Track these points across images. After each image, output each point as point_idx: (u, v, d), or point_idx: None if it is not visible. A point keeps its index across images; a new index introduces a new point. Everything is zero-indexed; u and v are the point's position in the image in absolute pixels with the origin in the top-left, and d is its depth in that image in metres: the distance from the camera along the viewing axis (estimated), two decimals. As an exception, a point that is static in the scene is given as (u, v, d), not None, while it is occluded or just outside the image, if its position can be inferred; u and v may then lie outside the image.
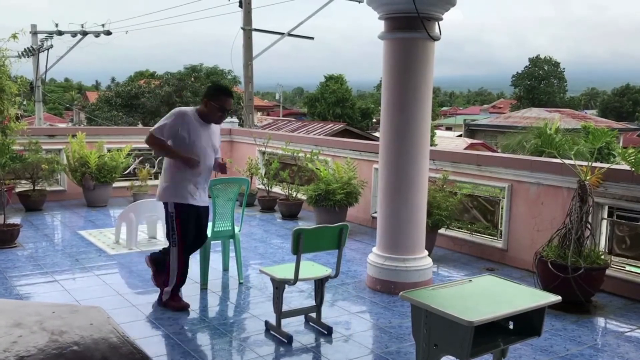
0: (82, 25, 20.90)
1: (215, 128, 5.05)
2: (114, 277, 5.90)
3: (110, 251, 6.75)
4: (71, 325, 1.11)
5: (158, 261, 5.19)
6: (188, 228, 4.87)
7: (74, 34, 21.04)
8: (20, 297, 5.19)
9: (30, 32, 21.25)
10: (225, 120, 13.44)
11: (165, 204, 4.85)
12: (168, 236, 4.93)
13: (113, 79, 56.55)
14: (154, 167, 10.85)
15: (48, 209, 9.03)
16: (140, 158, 10.78)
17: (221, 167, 5.04)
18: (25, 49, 21.01)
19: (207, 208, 5.04)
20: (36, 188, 8.99)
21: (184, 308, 4.92)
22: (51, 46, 21.25)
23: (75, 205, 9.39)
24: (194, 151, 4.75)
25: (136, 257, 6.54)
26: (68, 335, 1.06)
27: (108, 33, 20.79)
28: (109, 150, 9.74)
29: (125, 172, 10.19)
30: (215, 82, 5.76)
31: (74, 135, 9.48)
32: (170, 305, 4.92)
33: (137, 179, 9.96)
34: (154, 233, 7.38)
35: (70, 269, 6.06)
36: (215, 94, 4.84)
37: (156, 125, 4.81)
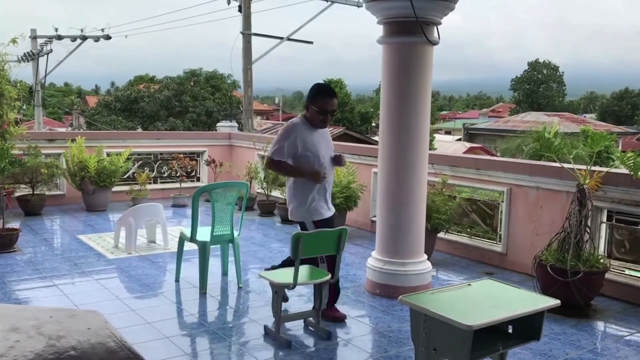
0: (81, 30, 20.94)
1: (326, 130, 4.84)
2: (112, 282, 5.89)
3: (110, 255, 6.74)
4: (69, 329, 1.11)
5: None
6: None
7: (73, 39, 21.07)
8: (19, 302, 5.18)
9: (29, 37, 21.28)
10: (225, 125, 13.38)
11: (302, 224, 4.65)
12: None
13: (112, 84, 56.66)
14: (153, 171, 10.85)
15: (47, 213, 9.02)
16: (140, 162, 10.78)
17: (337, 160, 4.81)
18: (24, 53, 21.06)
19: (333, 216, 4.87)
20: (35, 192, 8.98)
21: (339, 319, 4.77)
22: (51, 50, 21.28)
23: (74, 209, 9.38)
24: (315, 161, 4.58)
25: (135, 261, 6.53)
26: (65, 340, 1.06)
27: (108, 38, 20.81)
28: (108, 155, 9.73)
29: (125, 177, 10.20)
30: (317, 83, 4.89)
31: (73, 140, 9.48)
32: (326, 314, 4.72)
33: (136, 183, 9.95)
34: (153, 237, 7.38)
35: (69, 274, 6.05)
36: (313, 96, 4.57)
37: (272, 148, 4.62)
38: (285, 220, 8.86)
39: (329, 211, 4.71)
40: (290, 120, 4.73)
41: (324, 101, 4.54)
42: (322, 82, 4.62)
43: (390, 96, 5.38)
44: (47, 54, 21.36)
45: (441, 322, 3.05)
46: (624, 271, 5.72)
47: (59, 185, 9.88)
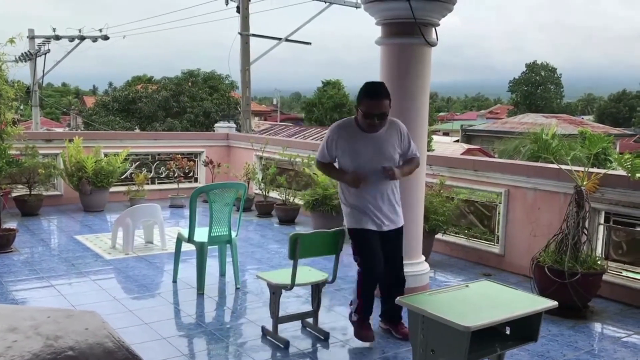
0: (79, 30, 20.91)
1: (390, 133, 4.26)
2: (110, 282, 5.88)
3: (107, 256, 6.73)
4: (66, 330, 1.10)
5: None
6: (369, 256, 4.22)
7: (71, 39, 21.05)
8: (16, 302, 5.17)
9: (27, 37, 21.25)
10: (223, 126, 13.36)
11: (349, 230, 4.33)
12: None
13: (110, 84, 56.56)
14: (150, 171, 10.84)
15: (44, 213, 9.01)
16: (137, 163, 10.77)
17: (384, 172, 4.16)
18: (22, 53, 21.03)
19: (395, 231, 4.34)
20: (32, 193, 8.97)
21: (365, 339, 4.35)
22: (48, 51, 21.27)
23: (71, 210, 9.37)
24: (357, 167, 4.17)
25: (133, 262, 6.52)
26: (63, 340, 1.06)
27: (106, 38, 20.79)
28: (105, 155, 9.72)
29: (122, 177, 10.18)
30: (366, 82, 4.37)
31: (70, 140, 9.46)
32: (355, 329, 4.47)
33: (134, 184, 9.94)
34: (150, 238, 7.37)
35: (66, 274, 6.04)
36: (359, 97, 4.17)
37: (318, 150, 4.43)
38: (283, 221, 8.86)
39: (375, 224, 4.23)
40: (339, 120, 4.46)
41: (368, 103, 4.09)
42: (372, 81, 4.27)
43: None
44: (45, 54, 21.35)
45: (439, 323, 3.05)
46: (621, 273, 5.73)
47: (57, 185, 9.87)
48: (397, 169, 4.19)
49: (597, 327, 5.05)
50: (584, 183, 5.36)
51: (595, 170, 5.86)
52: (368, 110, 4.07)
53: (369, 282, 4.30)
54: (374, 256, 4.21)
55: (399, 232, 4.39)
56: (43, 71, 21.67)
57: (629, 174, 5.29)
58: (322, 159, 4.36)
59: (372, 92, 4.12)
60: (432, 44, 5.30)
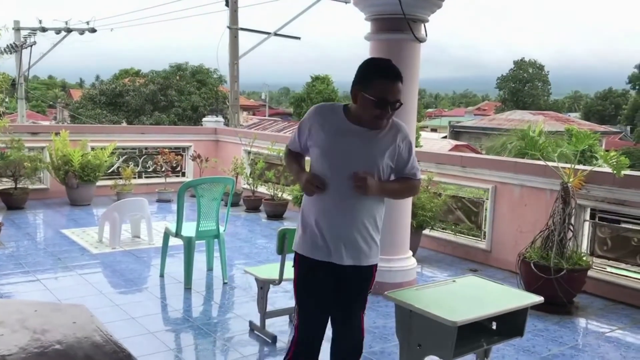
0: (66, 22, 20.72)
1: (392, 134, 2.94)
2: (97, 277, 5.85)
3: (94, 250, 6.69)
4: (54, 323, 1.10)
5: None
6: (310, 294, 3.05)
7: (58, 31, 20.84)
8: (1, 297, 5.13)
9: (13, 28, 21.01)
10: (211, 120, 13.31)
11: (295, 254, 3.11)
12: None
13: (97, 77, 56.08)
14: (138, 166, 10.78)
15: (30, 207, 8.93)
16: (124, 157, 10.71)
17: (357, 180, 2.84)
18: (7, 45, 20.78)
19: (359, 271, 2.99)
20: (18, 186, 8.89)
21: None
22: (34, 43, 21.04)
23: (58, 203, 9.30)
24: (328, 168, 2.89)
25: (119, 256, 6.49)
26: (50, 334, 1.05)
27: (93, 30, 20.62)
28: (92, 149, 9.66)
29: (109, 171, 10.12)
30: (370, 58, 3.09)
31: (57, 133, 9.39)
32: None
33: (120, 178, 9.89)
34: (137, 232, 7.33)
35: (52, 268, 6.00)
36: (365, 77, 2.84)
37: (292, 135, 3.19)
38: (270, 216, 8.85)
39: (324, 253, 2.94)
40: (325, 102, 3.23)
41: (382, 85, 2.78)
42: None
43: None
44: (31, 46, 21.12)
45: (426, 318, 3.06)
46: (605, 269, 5.79)
47: (43, 179, 9.79)
48: (376, 181, 2.89)
49: (582, 322, 5.10)
50: (570, 180, 5.41)
51: (581, 167, 5.91)
52: (382, 95, 2.76)
53: (310, 332, 3.09)
54: (312, 316, 3.06)
55: (364, 273, 3.01)
56: (29, 63, 21.46)
57: (615, 172, 5.34)
58: (291, 146, 3.15)
59: (388, 70, 2.83)
60: (421, 40, 5.31)
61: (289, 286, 5.27)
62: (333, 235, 2.90)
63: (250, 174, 9.55)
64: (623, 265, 5.77)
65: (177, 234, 5.53)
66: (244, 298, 5.32)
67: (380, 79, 2.80)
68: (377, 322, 4.79)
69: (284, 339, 4.39)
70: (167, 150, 10.53)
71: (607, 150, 6.17)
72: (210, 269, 6.01)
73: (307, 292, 3.05)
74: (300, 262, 3.03)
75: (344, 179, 2.84)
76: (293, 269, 3.09)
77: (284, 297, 5.23)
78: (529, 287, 5.09)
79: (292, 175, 3.26)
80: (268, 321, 4.47)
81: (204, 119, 13.49)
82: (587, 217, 5.90)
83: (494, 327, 3.45)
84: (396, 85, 2.81)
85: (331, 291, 3.02)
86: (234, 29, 14.05)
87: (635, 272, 5.67)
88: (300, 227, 3.04)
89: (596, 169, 5.86)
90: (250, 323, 4.57)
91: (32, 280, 5.59)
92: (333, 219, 2.90)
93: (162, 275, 5.78)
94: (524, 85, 61.37)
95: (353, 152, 2.87)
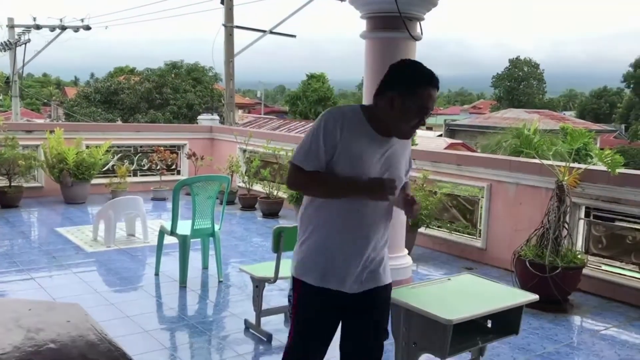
0: (60, 20, 20.63)
1: (404, 143, 2.69)
2: (91, 275, 5.84)
3: (88, 249, 6.67)
4: (48, 322, 1.09)
5: None
6: (311, 329, 2.67)
7: (52, 29, 20.75)
8: (-4, 295, 5.11)
9: (7, 26, 20.92)
10: (206, 118, 13.27)
11: (293, 280, 2.70)
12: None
13: (92, 75, 55.94)
14: (133, 164, 10.75)
15: (25, 205, 8.90)
16: (119, 155, 10.68)
17: (406, 205, 2.71)
18: (1, 42, 20.70)
19: (378, 292, 2.68)
20: (12, 184, 8.86)
21: None
22: (29, 40, 20.94)
23: (52, 202, 9.27)
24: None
25: (114, 254, 6.48)
26: (45, 333, 1.04)
27: (87, 28, 20.54)
28: (87, 147, 9.63)
29: (104, 169, 10.10)
30: (408, 60, 2.64)
31: (51, 131, 9.36)
32: None
33: (115, 176, 9.87)
34: (132, 231, 7.32)
35: (47, 267, 5.98)
36: (409, 82, 2.49)
37: (296, 149, 2.56)
38: (266, 215, 8.85)
39: (341, 282, 2.57)
40: (338, 107, 2.70)
41: (426, 92, 2.48)
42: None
43: (373, 91, 5.38)
44: (25, 43, 21.02)
45: (421, 316, 3.07)
46: (600, 267, 5.81)
47: (37, 177, 9.76)
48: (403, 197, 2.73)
49: (577, 320, 5.12)
50: (565, 178, 5.42)
51: (576, 165, 5.93)
52: (424, 103, 2.48)
53: None
54: (321, 334, 2.67)
55: (385, 293, 2.74)
56: (23, 61, 21.35)
57: (609, 170, 5.36)
58: (307, 165, 2.49)
59: (433, 77, 2.52)
60: (417, 38, 5.31)
61: (284, 284, 5.27)
62: (356, 258, 2.56)
63: (245, 172, 9.53)
64: (618, 263, 5.79)
65: (172, 232, 5.52)
66: (240, 296, 5.31)
67: (426, 87, 2.49)
68: (373, 320, 4.78)
69: (280, 337, 4.38)
70: (162, 148, 10.50)
71: (601, 149, 6.21)
72: (205, 267, 6.00)
73: (313, 332, 2.65)
74: (308, 293, 2.59)
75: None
76: (291, 297, 2.69)
77: (279, 295, 5.22)
78: (524, 285, 5.10)
79: (336, 190, 2.52)
80: (263, 319, 4.47)
81: (199, 117, 13.48)
82: (582, 215, 5.91)
83: (489, 325, 3.45)
84: (435, 92, 2.55)
85: (338, 326, 2.70)
86: (229, 27, 14.02)
87: (629, 270, 5.69)
88: (305, 248, 2.60)
89: (591, 167, 5.88)
90: (246, 321, 4.57)
91: (26, 278, 5.57)
92: (357, 239, 2.56)
93: (157, 274, 5.77)
94: (519, 84, 61.51)
95: (381, 164, 2.56)
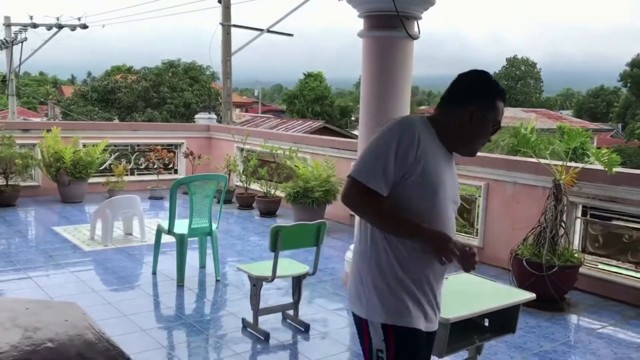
0: (57, 18, 20.60)
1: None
2: (89, 274, 5.83)
3: (85, 248, 6.66)
4: (45, 321, 1.09)
5: None
6: None
7: (49, 27, 20.71)
8: (-8, 294, 5.10)
9: (3, 24, 20.88)
10: (204, 117, 13.27)
11: (364, 323, 2.30)
12: None
13: (89, 74, 55.75)
14: (130, 163, 10.74)
15: (21, 204, 8.88)
16: (116, 154, 10.66)
17: (463, 259, 2.16)
18: (-2, 41, 20.65)
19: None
20: (9, 183, 8.84)
21: None
22: (25, 39, 20.89)
23: (49, 201, 9.25)
24: (427, 206, 2.20)
25: (111, 253, 6.47)
26: (42, 332, 1.04)
27: (84, 26, 20.50)
28: (84, 146, 9.61)
29: (101, 168, 10.08)
30: (481, 72, 2.29)
31: (48, 130, 9.34)
32: None
33: (112, 175, 9.85)
34: (130, 230, 7.31)
35: (44, 266, 5.97)
36: (489, 98, 2.28)
37: (359, 161, 2.20)
38: (263, 214, 8.84)
39: (429, 321, 2.28)
40: (396, 120, 2.24)
41: (499, 107, 2.31)
42: (478, 70, 2.37)
43: (371, 90, 5.39)
44: (22, 42, 20.98)
45: (419, 315, 3.07)
46: (597, 265, 5.82)
47: (34, 176, 9.74)
48: None
49: (574, 318, 5.13)
50: (562, 177, 5.43)
51: (573, 164, 5.94)
52: (498, 117, 2.30)
53: None
54: None
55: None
56: (20, 60, 21.33)
57: (606, 169, 5.37)
58: (376, 185, 2.12)
59: (502, 91, 2.35)
60: (414, 37, 5.31)
61: (281, 283, 5.27)
62: (439, 292, 2.32)
63: (243, 171, 9.53)
64: (614, 262, 5.80)
65: (170, 231, 5.52)
66: (237, 295, 5.31)
67: (500, 101, 2.31)
68: (370, 319, 4.79)
69: (277, 336, 4.39)
70: (159, 147, 10.49)
71: (598, 148, 6.22)
72: (202, 266, 6.00)
73: None
74: (403, 338, 2.21)
75: (448, 218, 2.26)
76: (381, 354, 2.26)
77: (276, 294, 5.22)
78: (521, 284, 5.11)
79: (406, 231, 2.16)
80: (261, 318, 4.47)
81: (196, 116, 13.46)
82: (579, 214, 5.93)
83: (486, 323, 3.46)
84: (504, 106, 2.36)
85: None
86: (226, 26, 14.00)
87: (626, 268, 5.70)
88: (391, 286, 2.19)
89: (588, 166, 5.89)
90: (243, 320, 4.57)
91: (23, 277, 5.56)
92: (440, 272, 2.28)
93: (154, 273, 5.76)
94: (516, 83, 61.59)
95: (454, 184, 2.34)
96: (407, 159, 2.11)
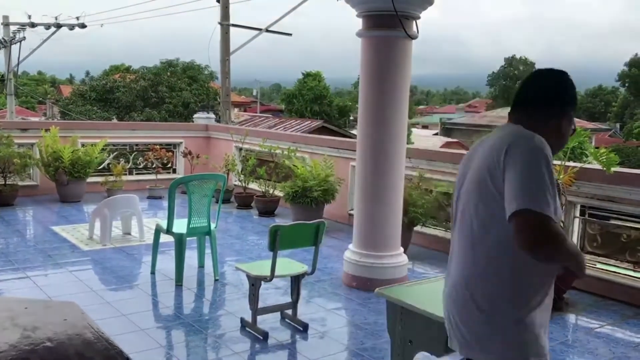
0: (56, 18, 20.56)
1: None
2: (87, 274, 5.82)
3: (84, 247, 6.66)
4: (44, 321, 1.09)
5: None
6: None
7: (47, 27, 20.67)
8: (-9, 294, 5.09)
9: (2, 24, 20.85)
10: (202, 117, 13.28)
11: None
12: None
13: (87, 73, 55.79)
14: (128, 162, 10.73)
15: (20, 204, 8.87)
16: (115, 153, 10.66)
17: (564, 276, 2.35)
18: (-4, 40, 20.61)
19: None
20: (7, 183, 8.83)
21: None
22: (24, 38, 20.86)
23: (48, 200, 9.24)
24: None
25: (110, 253, 6.46)
26: (41, 331, 1.04)
27: (83, 26, 20.47)
28: (83, 145, 9.61)
29: (100, 168, 10.08)
30: (561, 72, 2.14)
31: (47, 130, 9.33)
32: None
33: (111, 175, 9.85)
34: (128, 229, 7.31)
35: (42, 265, 5.97)
36: (566, 101, 2.17)
37: (528, 190, 1.90)
38: (262, 213, 8.84)
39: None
40: (532, 138, 2.01)
41: (573, 114, 2.22)
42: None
43: (369, 90, 5.39)
44: (20, 41, 20.94)
45: (417, 314, 3.07)
46: (595, 265, 5.82)
47: (32, 175, 9.73)
48: None
49: (572, 318, 5.13)
50: (561, 176, 5.44)
51: (571, 164, 5.94)
52: (573, 124, 2.21)
53: None
54: None
55: None
56: (18, 59, 21.28)
57: (604, 168, 5.38)
58: (551, 212, 1.88)
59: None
60: (413, 37, 5.32)
61: (280, 283, 5.27)
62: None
63: (241, 171, 9.53)
64: (613, 262, 5.81)
65: (168, 231, 5.52)
66: (236, 295, 5.31)
67: (574, 106, 2.22)
68: (369, 319, 4.80)
69: (276, 336, 4.39)
70: (158, 146, 10.49)
71: (597, 147, 6.22)
72: (201, 265, 6.00)
73: None
74: None
75: None
76: None
77: (275, 293, 5.22)
78: (520, 284, 5.11)
79: (567, 255, 2.06)
80: (259, 318, 4.47)
81: (195, 116, 13.45)
82: (577, 213, 5.93)
83: (485, 323, 3.46)
84: None
85: None
86: (225, 25, 14.00)
87: (624, 268, 5.71)
88: (527, 324, 2.13)
89: (586, 165, 5.89)
90: (242, 320, 4.57)
91: (22, 277, 5.55)
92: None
93: (153, 272, 5.76)
94: (514, 83, 61.54)
95: None
96: (554, 183, 1.94)
